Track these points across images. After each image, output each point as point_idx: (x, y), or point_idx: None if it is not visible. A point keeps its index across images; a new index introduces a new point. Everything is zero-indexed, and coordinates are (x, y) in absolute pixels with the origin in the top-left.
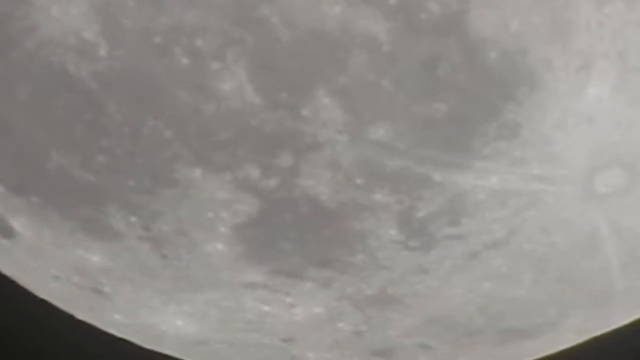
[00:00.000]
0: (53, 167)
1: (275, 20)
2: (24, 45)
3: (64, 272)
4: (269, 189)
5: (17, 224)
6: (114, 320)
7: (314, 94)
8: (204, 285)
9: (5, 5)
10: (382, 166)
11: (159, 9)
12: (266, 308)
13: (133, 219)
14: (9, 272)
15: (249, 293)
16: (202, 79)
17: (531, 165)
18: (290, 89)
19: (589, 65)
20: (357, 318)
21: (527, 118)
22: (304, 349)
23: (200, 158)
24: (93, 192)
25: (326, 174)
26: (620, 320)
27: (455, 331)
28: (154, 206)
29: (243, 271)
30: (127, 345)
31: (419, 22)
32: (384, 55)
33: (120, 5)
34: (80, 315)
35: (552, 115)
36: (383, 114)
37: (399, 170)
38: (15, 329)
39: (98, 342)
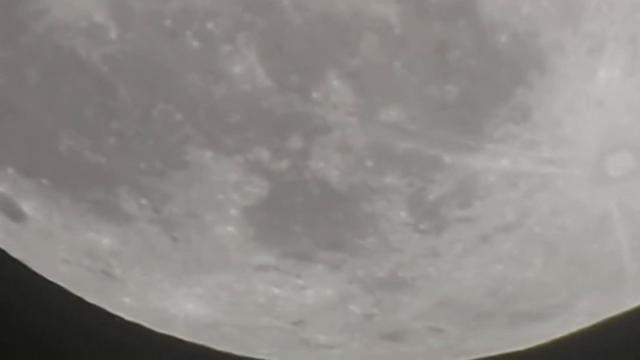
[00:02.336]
0: (63, 149)
1: (286, 3)
2: (34, 29)
3: (74, 255)
4: (280, 171)
5: (27, 206)
6: (124, 303)
7: (325, 77)
8: (215, 268)
9: None
10: (392, 148)
11: None
12: (277, 290)
13: (144, 201)
14: (19, 255)
15: (260, 275)
16: (212, 62)
17: (542, 148)
18: (300, 71)
19: (600, 48)
20: (368, 301)
21: (537, 101)
22: (315, 332)
23: (211, 140)
24: (103, 175)
25: (336, 156)
26: (631, 303)
27: (466, 314)
28: (165, 188)
29: (253, 253)
30: (136, 328)
31: (430, 5)
32: (395, 38)
33: None
34: (90, 298)
35: (562, 99)
36: (394, 96)
37: (409, 153)
38: (24, 311)
39: (107, 325)
